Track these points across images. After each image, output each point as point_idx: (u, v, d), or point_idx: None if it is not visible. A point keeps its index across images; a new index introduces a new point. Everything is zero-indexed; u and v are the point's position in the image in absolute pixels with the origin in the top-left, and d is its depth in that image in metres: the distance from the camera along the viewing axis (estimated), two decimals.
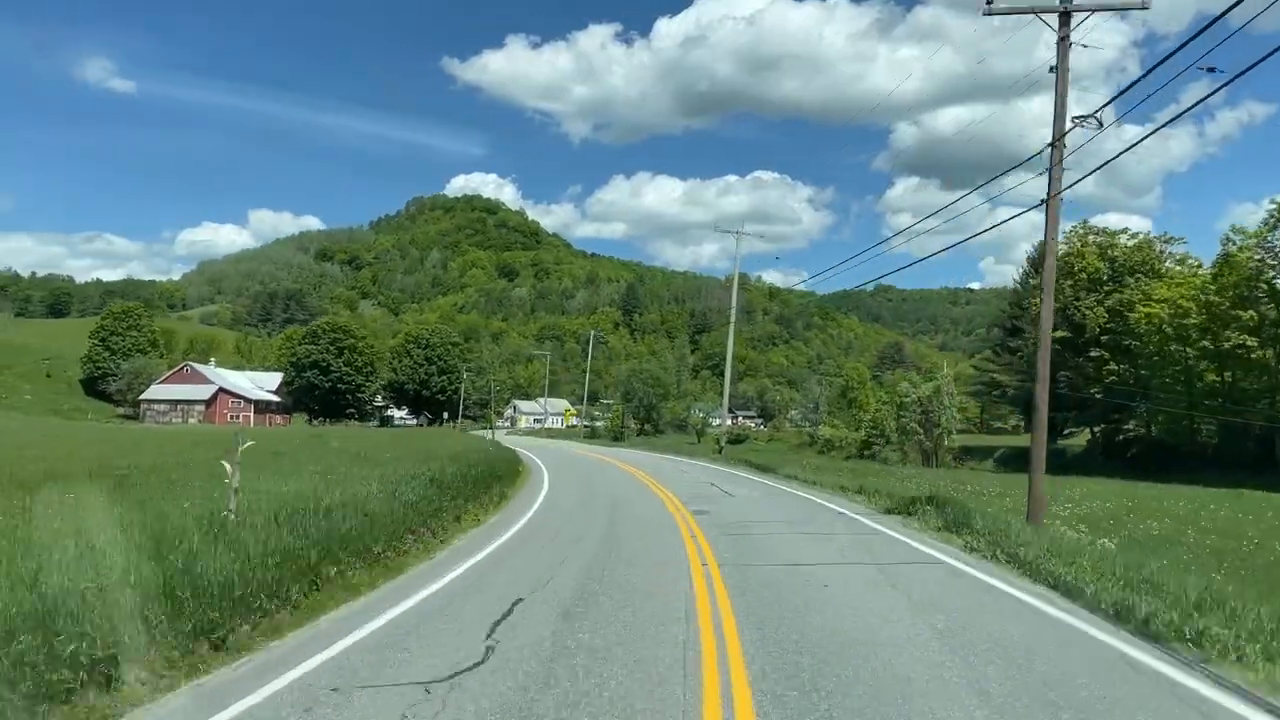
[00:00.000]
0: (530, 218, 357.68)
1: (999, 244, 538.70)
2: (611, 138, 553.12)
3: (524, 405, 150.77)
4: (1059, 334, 53.97)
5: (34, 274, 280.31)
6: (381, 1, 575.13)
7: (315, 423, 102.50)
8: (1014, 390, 62.56)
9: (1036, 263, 66.68)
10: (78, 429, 59.64)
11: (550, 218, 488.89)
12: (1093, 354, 50.48)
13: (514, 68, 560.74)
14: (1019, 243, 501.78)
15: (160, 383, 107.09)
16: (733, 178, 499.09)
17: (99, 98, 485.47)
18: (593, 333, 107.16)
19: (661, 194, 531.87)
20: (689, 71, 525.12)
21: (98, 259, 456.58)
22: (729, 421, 49.79)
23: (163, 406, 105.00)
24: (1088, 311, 51.08)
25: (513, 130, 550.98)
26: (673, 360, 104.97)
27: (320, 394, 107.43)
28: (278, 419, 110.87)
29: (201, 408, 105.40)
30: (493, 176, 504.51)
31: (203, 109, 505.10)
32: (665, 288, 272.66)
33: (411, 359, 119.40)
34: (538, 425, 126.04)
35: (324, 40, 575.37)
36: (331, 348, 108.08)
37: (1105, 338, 50.21)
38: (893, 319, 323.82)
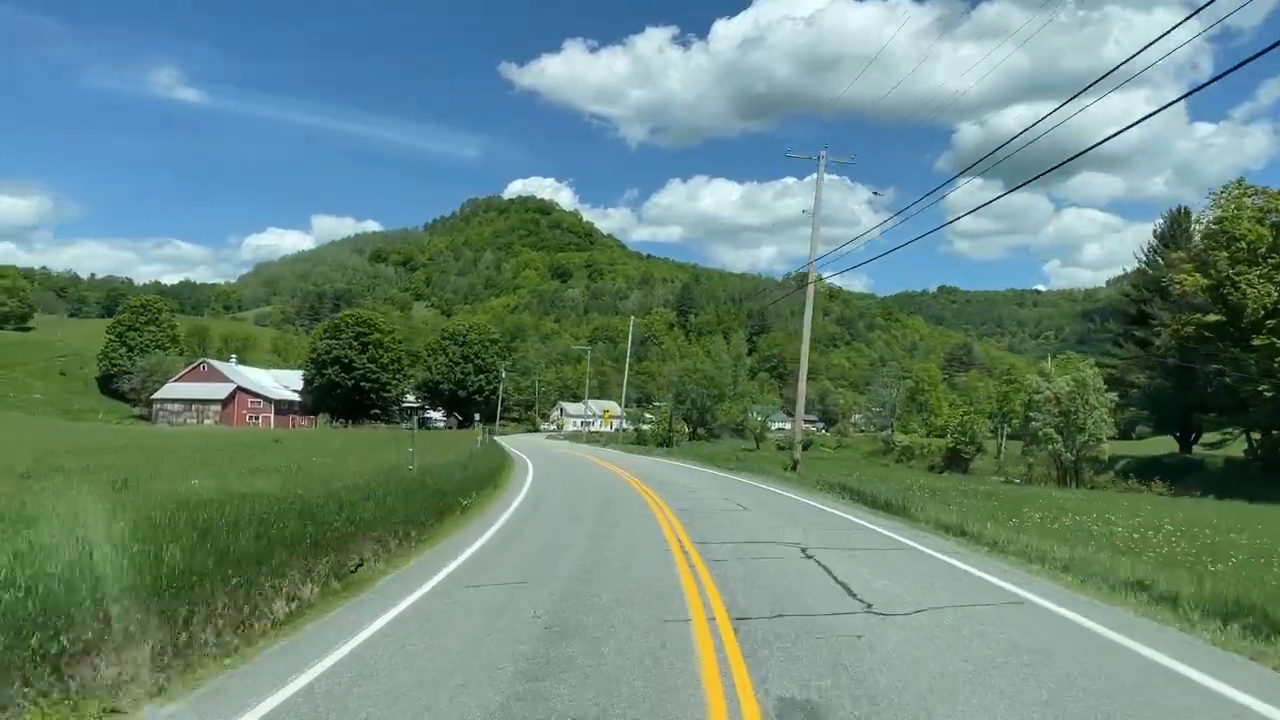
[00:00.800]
0: (585, 219, 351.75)
1: (1064, 246, 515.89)
2: (668, 141, 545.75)
3: (570, 407, 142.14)
4: (1210, 318, 43.30)
5: (93, 276, 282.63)
6: (441, 9, 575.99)
7: (336, 424, 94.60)
8: (1140, 388, 51.56)
9: (1167, 236, 55.57)
10: (42, 428, 52.20)
11: (607, 221, 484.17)
12: (1255, 342, 39.61)
13: (571, 72, 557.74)
14: (1085, 244, 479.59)
15: (175, 381, 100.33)
16: (791, 180, 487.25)
17: (167, 107, 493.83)
18: (633, 319, 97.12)
19: (718, 197, 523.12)
20: (747, 74, 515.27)
21: (166, 264, 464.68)
22: (800, 427, 37.46)
23: (176, 406, 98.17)
24: (1248, 289, 40.38)
25: (570, 134, 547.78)
26: (728, 359, 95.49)
27: (342, 393, 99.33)
28: (301, 420, 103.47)
29: (217, 407, 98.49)
30: (550, 181, 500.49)
31: (266, 117, 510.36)
32: (721, 288, 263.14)
33: (447, 356, 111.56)
34: (585, 428, 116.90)
35: (385, 49, 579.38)
36: (355, 343, 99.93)
37: (1273, 321, 39.42)
38: (957, 320, 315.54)
